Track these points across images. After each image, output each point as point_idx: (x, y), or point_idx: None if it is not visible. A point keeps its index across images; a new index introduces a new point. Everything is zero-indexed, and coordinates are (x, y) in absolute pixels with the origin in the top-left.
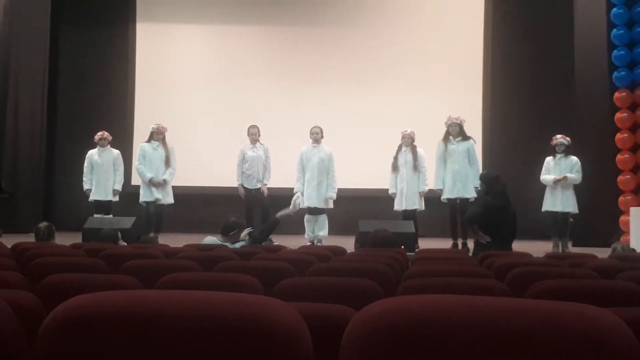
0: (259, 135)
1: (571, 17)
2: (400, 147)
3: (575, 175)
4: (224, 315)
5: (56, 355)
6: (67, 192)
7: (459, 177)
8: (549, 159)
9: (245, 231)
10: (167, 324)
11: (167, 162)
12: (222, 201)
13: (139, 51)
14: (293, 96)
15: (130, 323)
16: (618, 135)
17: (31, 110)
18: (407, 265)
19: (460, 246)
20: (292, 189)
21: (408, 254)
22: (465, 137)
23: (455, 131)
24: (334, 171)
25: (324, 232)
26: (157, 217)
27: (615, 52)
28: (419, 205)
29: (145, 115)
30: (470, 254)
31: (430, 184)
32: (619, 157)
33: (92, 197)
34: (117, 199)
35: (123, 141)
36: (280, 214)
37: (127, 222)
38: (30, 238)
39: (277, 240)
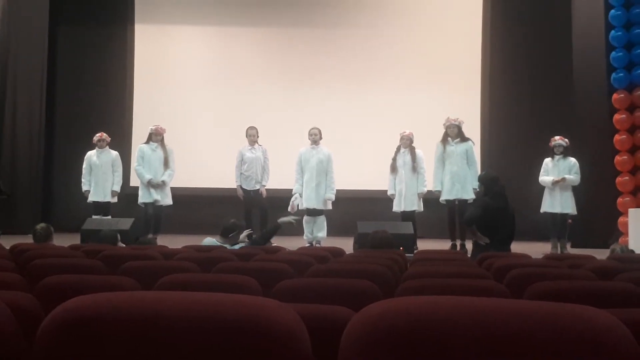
0: (258, 137)
1: (569, 17)
2: (399, 149)
3: (574, 177)
4: (223, 316)
5: (55, 356)
6: (66, 193)
7: (458, 178)
8: (547, 160)
9: (245, 233)
10: (166, 325)
11: (166, 164)
12: (221, 202)
13: (138, 52)
14: (292, 97)
15: (129, 324)
16: (616, 137)
17: (30, 110)
18: (406, 267)
19: (458, 247)
20: (291, 190)
21: (407, 255)
22: (464, 139)
23: (454, 132)
24: (333, 172)
25: (322, 233)
26: (155, 219)
27: (613, 53)
28: (417, 206)
29: (144, 116)
30: (469, 255)
31: (429, 185)
32: (618, 158)
33: (91, 198)
34: (115, 200)
35: (122, 142)
36: (282, 219)
37: (126, 223)
38: (28, 239)
39: (276, 241)
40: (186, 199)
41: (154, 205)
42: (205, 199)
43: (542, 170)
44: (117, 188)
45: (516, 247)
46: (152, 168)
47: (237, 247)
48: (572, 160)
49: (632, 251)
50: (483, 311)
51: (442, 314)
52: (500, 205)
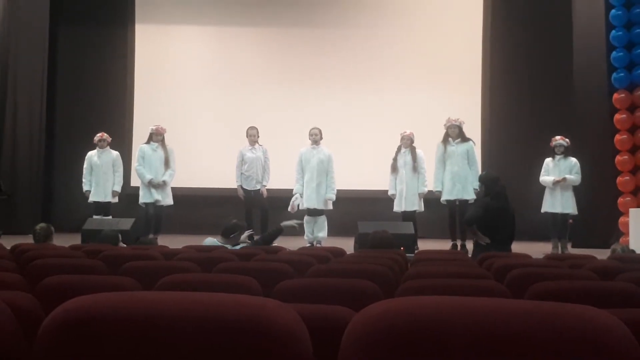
0: (258, 137)
1: (570, 17)
2: (399, 149)
3: (575, 177)
4: (223, 316)
5: (55, 356)
6: (66, 193)
7: (458, 178)
8: (548, 160)
9: (246, 233)
10: (166, 325)
11: (167, 164)
12: (222, 202)
13: (138, 52)
14: (292, 97)
15: (129, 324)
16: (617, 137)
17: (30, 110)
18: (407, 267)
19: (459, 247)
20: (292, 190)
21: (407, 255)
22: (465, 139)
23: (455, 133)
24: (333, 172)
25: (323, 233)
26: (156, 219)
27: (614, 53)
28: (418, 206)
29: (144, 117)
30: (470, 255)
31: (430, 185)
32: (618, 158)
33: (92, 198)
34: (116, 200)
35: (122, 142)
36: (285, 223)
37: (127, 223)
38: (29, 239)
39: (276, 241)
40: (187, 199)
41: (154, 205)
42: (206, 199)
43: (542, 170)
44: (118, 188)
45: (517, 247)
46: (152, 168)
47: (237, 247)
48: (573, 160)
49: (633, 251)
50: (484, 311)
51: (443, 314)
52: (501, 206)
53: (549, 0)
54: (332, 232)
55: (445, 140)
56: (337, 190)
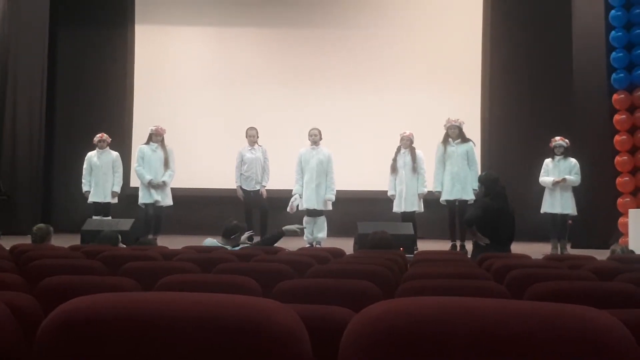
0: (258, 137)
1: (570, 18)
2: (399, 149)
3: (574, 177)
4: (223, 317)
5: (55, 357)
6: (66, 193)
7: (458, 178)
8: (547, 160)
9: (246, 234)
10: (166, 325)
11: (166, 164)
12: (221, 203)
13: (138, 53)
14: (292, 97)
15: (129, 325)
16: (616, 137)
17: (30, 111)
18: (406, 267)
19: (458, 248)
20: (291, 190)
21: (407, 255)
22: (465, 139)
23: (455, 133)
24: (333, 173)
25: (322, 234)
26: (155, 219)
27: (613, 54)
28: (417, 207)
29: (143, 117)
30: (469, 256)
31: (429, 185)
32: (618, 159)
33: (91, 198)
34: (115, 200)
35: (122, 143)
36: (286, 227)
37: (126, 224)
38: (29, 240)
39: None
40: (186, 199)
41: (154, 205)
42: (206, 199)
43: (542, 170)
44: (117, 189)
45: (516, 247)
46: (152, 169)
47: (237, 248)
48: (573, 160)
49: (632, 252)
50: (483, 312)
51: (443, 315)
52: (500, 206)
53: (548, 0)
54: (331, 232)
55: (445, 141)
56: (337, 190)
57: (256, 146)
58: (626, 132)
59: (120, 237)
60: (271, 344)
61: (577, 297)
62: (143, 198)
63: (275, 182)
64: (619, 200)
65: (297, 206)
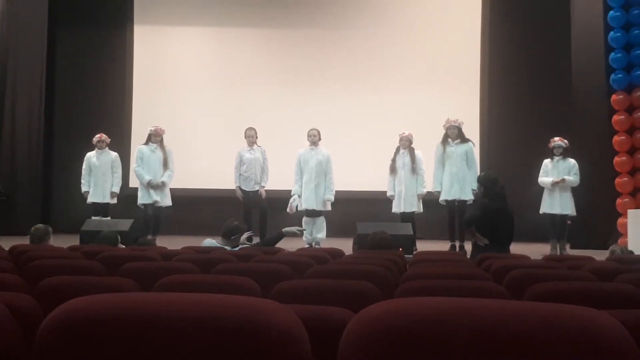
0: (257, 138)
1: (569, 18)
2: (398, 150)
3: (573, 178)
4: (222, 317)
5: (54, 357)
6: (65, 194)
7: (457, 179)
8: (546, 161)
9: (245, 235)
10: (165, 326)
11: (165, 165)
12: (221, 203)
13: (137, 53)
14: (291, 97)
15: (128, 325)
16: (615, 138)
17: (29, 111)
18: (405, 268)
19: (458, 248)
20: (290, 191)
21: (406, 256)
22: (464, 140)
23: (454, 134)
24: (332, 173)
25: (322, 234)
26: (155, 220)
27: (612, 54)
28: (417, 207)
29: (143, 118)
30: (468, 256)
31: (429, 186)
32: (617, 159)
33: (90, 199)
34: (115, 201)
35: (121, 143)
36: (287, 229)
37: (125, 224)
38: (28, 240)
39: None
40: (185, 199)
41: (153, 206)
42: (205, 199)
43: (541, 171)
44: (117, 189)
45: (515, 248)
46: (151, 169)
47: (236, 249)
48: (572, 161)
49: (632, 252)
50: (482, 312)
51: (442, 315)
52: (499, 207)
53: (548, 1)
54: (330, 233)
55: (444, 141)
56: (336, 191)
57: (255, 146)
58: (625, 132)
59: (119, 237)
60: (270, 345)
61: (577, 297)
62: (142, 198)
63: (274, 182)
64: (618, 200)
65: (297, 207)
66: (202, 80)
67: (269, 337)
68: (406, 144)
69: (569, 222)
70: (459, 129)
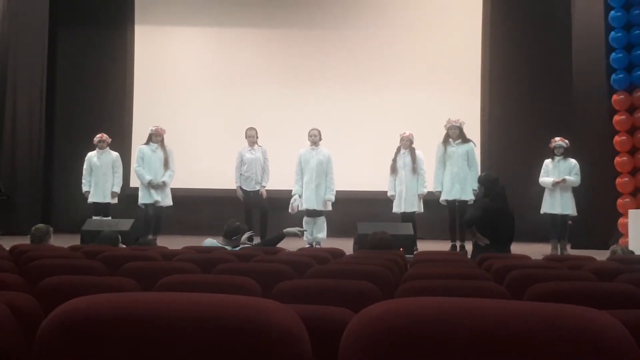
0: (257, 137)
1: (569, 18)
2: (398, 150)
3: (574, 178)
4: (222, 317)
5: (54, 357)
6: (66, 193)
7: (458, 179)
8: (547, 161)
9: (246, 235)
10: (166, 326)
11: (166, 164)
12: (221, 203)
13: (138, 53)
14: (292, 97)
15: (129, 325)
16: (616, 138)
17: (29, 111)
18: (406, 268)
19: (458, 248)
20: (291, 191)
21: (407, 256)
22: (465, 140)
23: (455, 134)
24: (333, 173)
25: (322, 234)
26: (155, 219)
27: (613, 54)
28: (417, 207)
29: (143, 117)
30: (469, 256)
31: (430, 186)
32: (617, 159)
33: (91, 199)
34: (115, 201)
35: (121, 143)
36: (288, 230)
37: (126, 224)
38: (28, 240)
39: None
40: (186, 199)
41: (154, 206)
42: (205, 199)
43: (542, 171)
44: (117, 189)
45: (516, 248)
46: (152, 169)
47: (237, 249)
48: (573, 161)
49: (632, 252)
50: (483, 312)
51: (442, 315)
52: (500, 207)
53: (548, 1)
54: (331, 233)
55: (445, 141)
56: (337, 191)
57: (256, 146)
58: (626, 132)
59: (120, 237)
60: (271, 345)
61: (577, 297)
62: (143, 198)
63: (275, 182)
64: (619, 200)
65: (298, 207)
66: (202, 80)
67: (270, 337)
68: (407, 144)
69: (569, 222)
70: (460, 129)
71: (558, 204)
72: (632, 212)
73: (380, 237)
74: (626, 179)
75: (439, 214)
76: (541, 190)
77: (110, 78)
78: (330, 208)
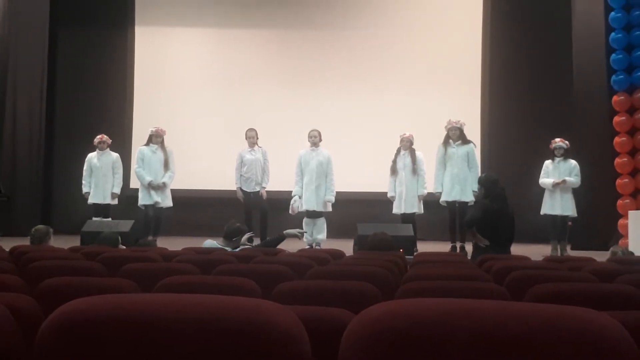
0: (257, 138)
1: (570, 19)
2: (399, 151)
3: (574, 179)
4: (222, 318)
5: (54, 358)
6: (66, 194)
7: (458, 180)
8: (547, 162)
9: (246, 235)
10: (165, 327)
11: (166, 165)
12: (221, 204)
13: (138, 54)
14: (292, 98)
15: (128, 327)
16: (616, 139)
17: (30, 112)
18: (406, 269)
19: (458, 249)
20: (291, 192)
21: (407, 257)
22: (466, 141)
23: (456, 135)
24: (333, 174)
25: (322, 235)
26: (155, 220)
27: (613, 55)
28: (417, 208)
29: (143, 118)
30: (469, 257)
31: (430, 187)
32: (618, 160)
33: (91, 200)
34: (115, 202)
35: (122, 144)
36: (288, 231)
37: (126, 225)
38: (28, 241)
39: None
40: (186, 200)
41: (154, 207)
42: (205, 200)
43: (542, 172)
44: (117, 190)
45: (516, 249)
46: (152, 170)
47: (237, 250)
48: (573, 162)
49: (632, 253)
50: (483, 313)
51: (442, 317)
52: (500, 208)
53: (548, 1)
54: (331, 234)
55: (445, 142)
56: (337, 192)
57: (256, 147)
58: (626, 133)
59: (120, 238)
60: (271, 346)
61: (577, 298)
62: (143, 199)
63: (275, 183)
64: (619, 201)
65: (298, 207)
66: (202, 81)
67: (270, 338)
68: (407, 145)
69: (569, 223)
70: (461, 130)
71: (558, 205)
72: (632, 213)
73: (380, 238)
74: (626, 180)
75: (439, 215)
76: (541, 191)
77: (110, 78)
78: (330, 209)
